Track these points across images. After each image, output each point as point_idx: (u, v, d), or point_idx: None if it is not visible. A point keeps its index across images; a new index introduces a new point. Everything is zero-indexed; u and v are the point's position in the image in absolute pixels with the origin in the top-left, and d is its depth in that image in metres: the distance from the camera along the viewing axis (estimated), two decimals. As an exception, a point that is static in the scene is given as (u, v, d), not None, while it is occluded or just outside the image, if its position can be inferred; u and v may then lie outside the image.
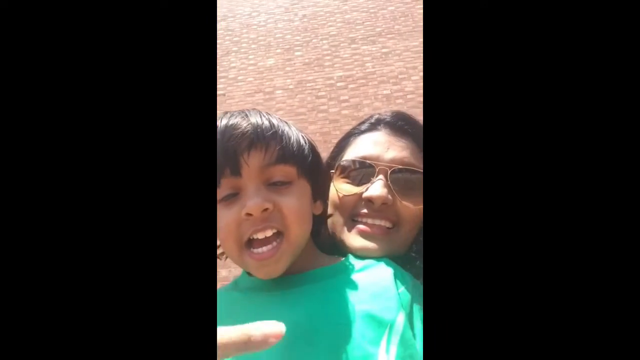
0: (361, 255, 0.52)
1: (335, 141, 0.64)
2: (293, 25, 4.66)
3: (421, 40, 4.13)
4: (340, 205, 0.55)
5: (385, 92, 3.83)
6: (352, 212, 0.54)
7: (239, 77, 4.22)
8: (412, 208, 0.53)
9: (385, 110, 0.63)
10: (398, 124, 0.58)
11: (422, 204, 0.53)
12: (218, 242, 0.45)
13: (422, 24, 4.24)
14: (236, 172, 0.42)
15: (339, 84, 4.02)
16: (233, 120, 0.45)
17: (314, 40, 4.46)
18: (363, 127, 0.61)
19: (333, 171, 0.58)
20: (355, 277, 0.47)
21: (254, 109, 0.48)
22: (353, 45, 4.30)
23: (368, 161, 0.54)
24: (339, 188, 0.56)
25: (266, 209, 0.42)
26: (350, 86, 3.97)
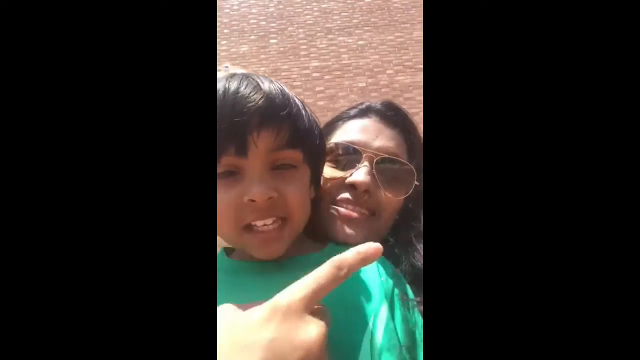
0: (342, 242, 0.51)
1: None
2: (268, 12, 4.52)
3: (396, 34, 4.16)
4: (322, 189, 0.54)
5: (360, 84, 3.84)
6: (333, 197, 0.54)
7: (211, 63, 4.04)
8: (392, 199, 0.53)
9: (375, 99, 0.63)
10: (388, 114, 0.58)
11: (403, 196, 0.54)
12: None
13: (397, 17, 4.29)
14: (243, 152, 0.38)
15: (314, 75, 3.97)
16: (244, 89, 0.38)
17: (289, 29, 4.35)
18: (352, 112, 0.60)
19: None
20: None
21: (263, 75, 0.42)
22: (329, 36, 4.25)
23: (355, 146, 0.53)
24: (323, 171, 0.55)
25: (271, 197, 0.39)
26: (326, 77, 3.94)
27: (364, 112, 0.59)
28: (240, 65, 0.46)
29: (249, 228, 0.41)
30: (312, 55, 4.12)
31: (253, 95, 0.38)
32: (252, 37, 4.30)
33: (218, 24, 4.42)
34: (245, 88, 0.39)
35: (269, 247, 0.42)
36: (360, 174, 0.51)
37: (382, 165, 0.53)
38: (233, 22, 4.44)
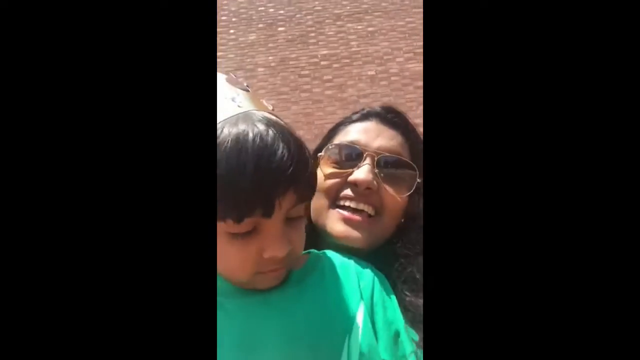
0: (342, 242, 0.52)
1: (318, 122, 0.65)
2: (276, -2, 4.45)
3: (407, 19, 4.05)
4: (324, 188, 0.55)
5: (369, 72, 3.77)
6: (335, 195, 0.55)
7: (219, 53, 4.03)
8: (395, 197, 0.54)
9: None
10: (388, 116, 0.61)
11: (406, 194, 0.55)
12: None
13: (408, 1, 4.17)
14: (268, 214, 0.38)
15: (322, 63, 3.92)
16: (270, 143, 0.36)
17: (297, 16, 4.28)
18: (354, 117, 0.63)
19: (321, 154, 0.59)
20: (308, 289, 0.46)
21: (275, 121, 0.40)
22: (338, 22, 4.17)
23: (356, 145, 0.56)
24: (325, 171, 0.56)
25: (288, 251, 0.41)
26: (335, 65, 3.88)
27: (364, 116, 0.62)
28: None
29: (259, 273, 0.42)
30: (320, 43, 4.06)
31: (279, 151, 0.37)
32: (260, 25, 4.25)
33: (226, 12, 4.37)
34: (272, 143, 0.37)
35: (274, 281, 0.43)
36: (362, 172, 0.53)
37: (384, 163, 0.55)
38: (241, 10, 4.39)
